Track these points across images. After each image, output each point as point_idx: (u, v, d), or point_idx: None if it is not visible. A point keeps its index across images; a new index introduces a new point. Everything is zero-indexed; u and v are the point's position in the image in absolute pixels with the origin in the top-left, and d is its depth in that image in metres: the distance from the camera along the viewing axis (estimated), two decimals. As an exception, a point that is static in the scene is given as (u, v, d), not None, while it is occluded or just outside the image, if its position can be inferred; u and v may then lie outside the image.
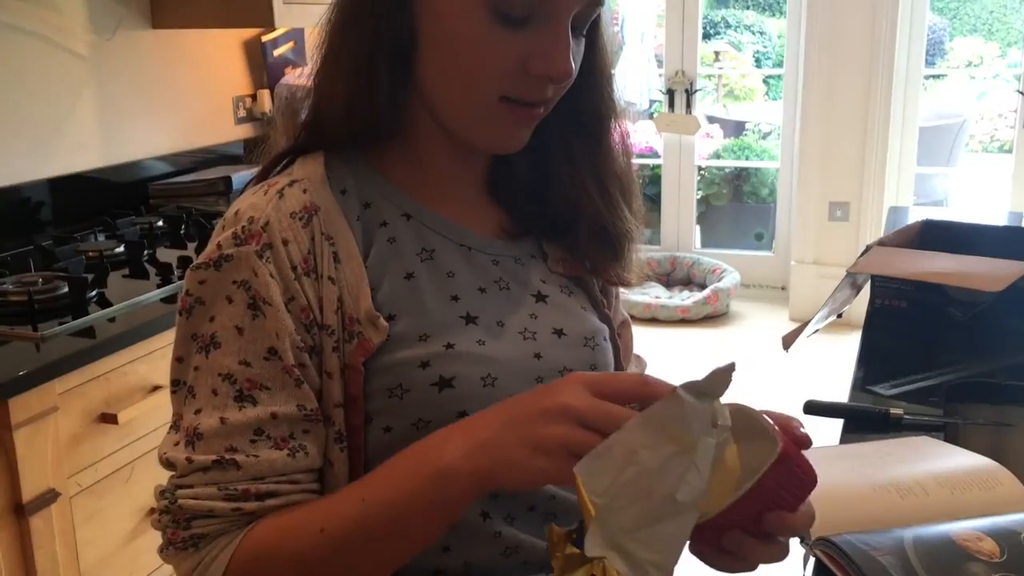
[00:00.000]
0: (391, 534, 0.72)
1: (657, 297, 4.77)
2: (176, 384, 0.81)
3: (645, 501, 0.63)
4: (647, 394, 0.67)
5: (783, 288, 4.95)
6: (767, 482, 0.66)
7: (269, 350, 0.78)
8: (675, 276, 5.07)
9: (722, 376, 0.66)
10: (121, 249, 2.13)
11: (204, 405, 0.77)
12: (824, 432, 1.40)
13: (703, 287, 4.85)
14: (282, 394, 0.77)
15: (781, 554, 0.72)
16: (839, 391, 1.52)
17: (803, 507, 0.71)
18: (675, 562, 0.64)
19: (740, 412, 0.70)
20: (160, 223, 2.38)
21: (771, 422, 0.69)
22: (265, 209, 0.81)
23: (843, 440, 1.30)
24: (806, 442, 0.69)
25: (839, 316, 1.90)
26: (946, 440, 1.23)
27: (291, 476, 0.78)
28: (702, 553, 0.72)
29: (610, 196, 0.94)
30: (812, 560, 0.99)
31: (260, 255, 0.79)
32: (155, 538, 0.79)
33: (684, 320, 4.68)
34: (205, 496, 0.75)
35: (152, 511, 1.75)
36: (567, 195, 0.93)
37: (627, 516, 0.63)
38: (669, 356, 4.10)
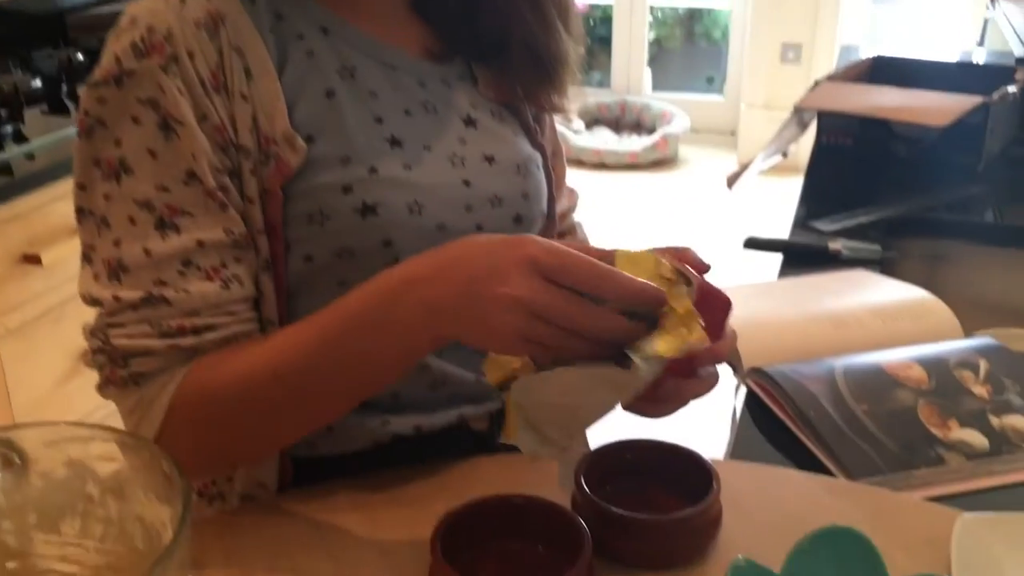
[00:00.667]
0: (347, 387, 0.71)
1: (606, 142, 4.70)
2: (82, 213, 0.75)
3: (568, 418, 0.65)
4: (603, 288, 0.62)
5: (732, 133, 4.91)
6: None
7: (187, 173, 0.72)
8: (624, 121, 4.99)
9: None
10: (38, 84, 2.01)
11: (123, 235, 0.72)
12: (764, 267, 1.40)
13: (652, 131, 4.79)
14: (207, 219, 0.72)
15: (712, 385, 0.72)
16: (784, 232, 1.50)
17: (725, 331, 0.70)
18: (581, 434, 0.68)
19: (649, 261, 0.67)
20: (80, 57, 2.23)
21: (679, 264, 0.66)
22: (166, 16, 0.73)
23: (782, 275, 1.30)
24: (706, 268, 0.67)
25: (784, 155, 1.87)
26: (883, 274, 1.24)
27: (227, 308, 0.74)
28: (635, 407, 0.71)
29: (544, 15, 0.87)
30: (743, 389, 1.00)
31: (165, 69, 0.72)
32: (90, 380, 0.76)
33: (633, 165, 4.64)
34: (139, 335, 0.72)
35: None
36: (498, 12, 0.86)
37: (548, 422, 0.65)
38: (618, 202, 4.08)
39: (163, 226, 0.72)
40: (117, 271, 0.72)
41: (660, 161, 4.70)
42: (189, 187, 0.72)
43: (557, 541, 0.68)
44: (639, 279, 0.63)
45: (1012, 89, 1.60)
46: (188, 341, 0.72)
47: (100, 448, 0.58)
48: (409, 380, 0.81)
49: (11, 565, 0.57)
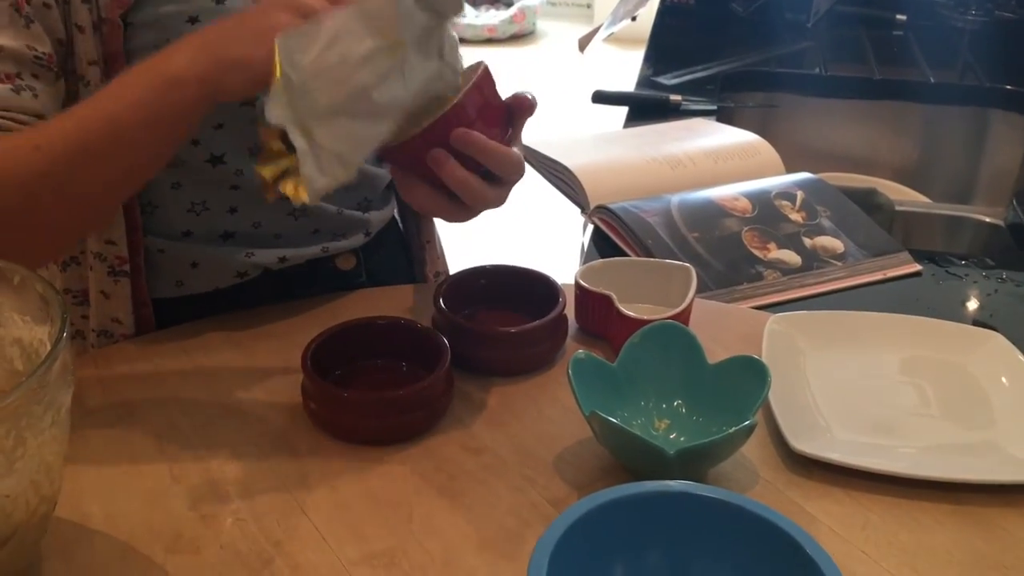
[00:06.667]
0: (114, 148, 0.67)
1: (463, 16, 4.66)
2: None
3: (341, 88, 0.61)
4: None
5: (589, 6, 4.94)
6: (464, 101, 0.67)
7: None
8: (482, -6, 4.95)
9: None
10: None
11: None
12: (610, 120, 1.48)
13: (509, 5, 4.77)
14: (9, 31, 0.71)
15: (487, 198, 0.70)
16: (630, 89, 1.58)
17: (513, 153, 0.71)
18: (358, 163, 0.64)
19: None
20: None
21: (483, 68, 0.70)
22: None
23: (626, 126, 1.37)
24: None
25: (634, 19, 1.93)
26: (719, 122, 1.33)
27: (15, 115, 0.71)
28: (413, 190, 0.71)
29: None
30: (590, 227, 1.08)
31: None
32: None
33: (491, 40, 4.63)
34: None
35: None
36: None
37: (320, 99, 0.61)
38: (476, 76, 4.08)
39: None
40: None
41: (518, 35, 4.70)
42: None
43: (420, 356, 0.74)
44: None
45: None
46: None
47: (-31, 278, 0.59)
48: (268, 209, 0.84)
49: None
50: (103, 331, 0.82)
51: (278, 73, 0.60)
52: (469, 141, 0.67)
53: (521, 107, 0.71)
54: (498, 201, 0.72)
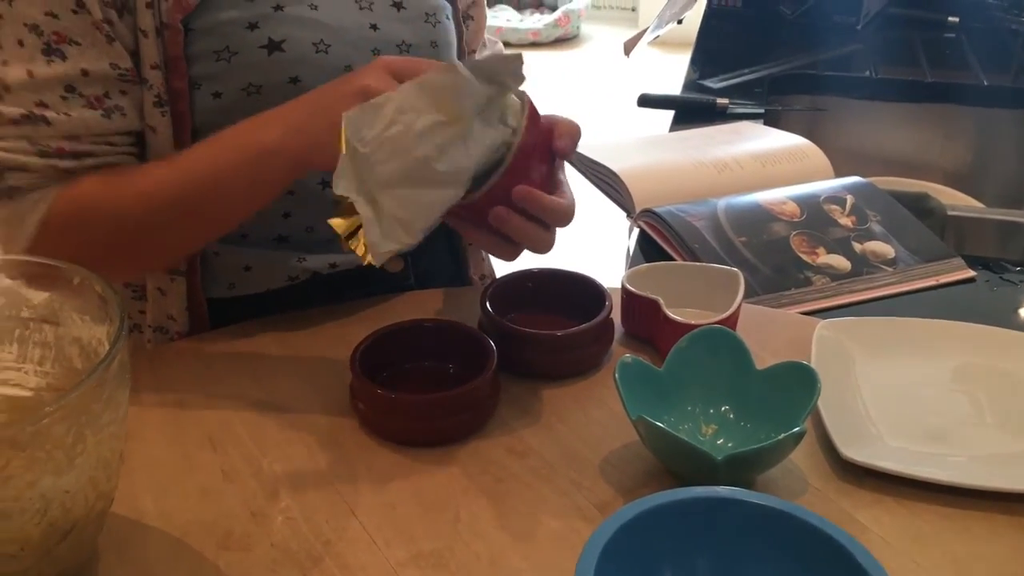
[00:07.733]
0: (211, 204, 0.74)
1: (508, 20, 4.67)
2: None
3: (403, 159, 0.63)
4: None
5: (633, 9, 4.93)
6: (518, 158, 0.67)
7: (77, 2, 0.73)
8: (526, -2, 4.96)
9: (509, 63, 0.65)
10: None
11: (10, 57, 0.73)
12: (656, 123, 1.47)
13: (554, 9, 4.77)
14: (93, 51, 0.74)
15: (539, 239, 0.71)
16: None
17: (563, 200, 0.71)
18: (423, 228, 0.65)
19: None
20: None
21: (529, 101, 0.68)
22: None
23: (672, 129, 1.37)
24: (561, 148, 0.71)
25: (679, 22, 1.93)
26: (767, 126, 1.32)
27: (107, 138, 0.76)
28: (471, 234, 0.73)
29: None
30: (636, 231, 1.08)
31: None
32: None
33: (535, 43, 4.63)
34: (18, 150, 0.73)
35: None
36: None
37: (385, 171, 0.63)
38: (520, 79, 4.09)
39: (49, 52, 0.73)
40: (1, 90, 0.74)
41: (562, 39, 4.70)
42: (78, 16, 0.73)
43: (467, 359, 0.74)
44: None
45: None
46: (66, 164, 0.74)
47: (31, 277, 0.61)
48: (322, 215, 0.84)
49: (-47, 391, 0.61)
50: (158, 327, 0.84)
51: (344, 148, 0.63)
52: (531, 200, 0.68)
53: (560, 154, 0.71)
54: (552, 243, 0.73)
